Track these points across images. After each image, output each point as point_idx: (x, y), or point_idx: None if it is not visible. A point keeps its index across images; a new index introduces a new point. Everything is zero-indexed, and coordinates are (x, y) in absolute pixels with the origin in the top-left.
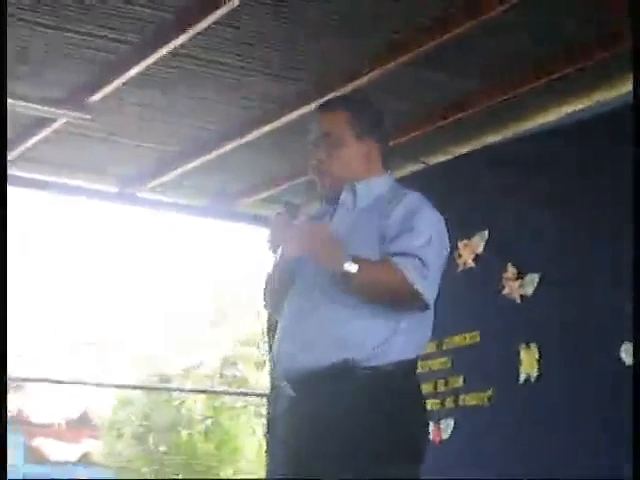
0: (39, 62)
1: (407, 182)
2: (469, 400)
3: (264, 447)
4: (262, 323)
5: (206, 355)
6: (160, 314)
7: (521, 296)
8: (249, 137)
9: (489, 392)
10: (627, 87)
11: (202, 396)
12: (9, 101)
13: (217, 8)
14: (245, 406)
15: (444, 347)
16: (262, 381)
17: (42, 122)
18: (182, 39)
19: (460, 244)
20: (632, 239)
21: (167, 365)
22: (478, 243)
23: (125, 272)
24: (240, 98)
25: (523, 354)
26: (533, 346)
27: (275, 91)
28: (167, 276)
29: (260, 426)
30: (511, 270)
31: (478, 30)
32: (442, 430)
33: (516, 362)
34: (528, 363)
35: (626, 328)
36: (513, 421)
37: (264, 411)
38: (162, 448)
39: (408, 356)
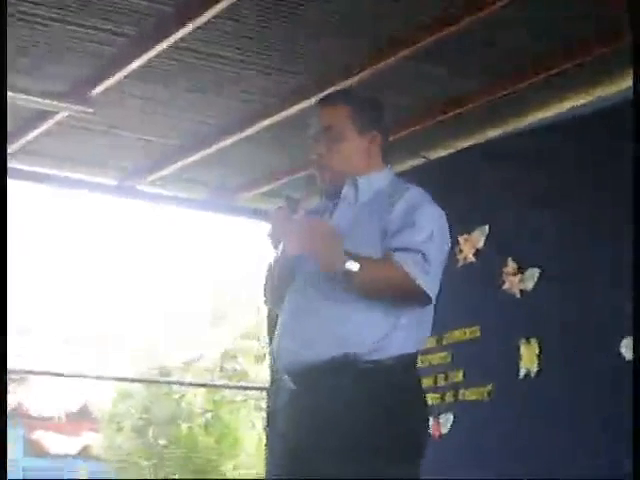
0: (40, 55)
1: (407, 176)
2: (469, 395)
3: (264, 441)
4: (262, 317)
5: (206, 348)
6: (160, 306)
7: (521, 291)
8: (249, 131)
9: (489, 387)
10: (627, 83)
11: (202, 389)
12: (10, 94)
13: (217, 2)
14: (245, 400)
15: (444, 342)
16: (262, 375)
17: (43, 115)
18: (183, 32)
19: (460, 239)
20: (632, 235)
21: (167, 358)
22: (478, 238)
23: (125, 265)
24: (240, 92)
25: (523, 349)
26: (533, 341)
27: (275, 85)
28: (167, 269)
29: (260, 420)
30: (511, 265)
31: (478, 25)
32: (441, 425)
33: (516, 357)
34: (528, 358)
35: (626, 323)
36: (513, 416)
37: (264, 405)
38: (162, 441)
39: (408, 351)
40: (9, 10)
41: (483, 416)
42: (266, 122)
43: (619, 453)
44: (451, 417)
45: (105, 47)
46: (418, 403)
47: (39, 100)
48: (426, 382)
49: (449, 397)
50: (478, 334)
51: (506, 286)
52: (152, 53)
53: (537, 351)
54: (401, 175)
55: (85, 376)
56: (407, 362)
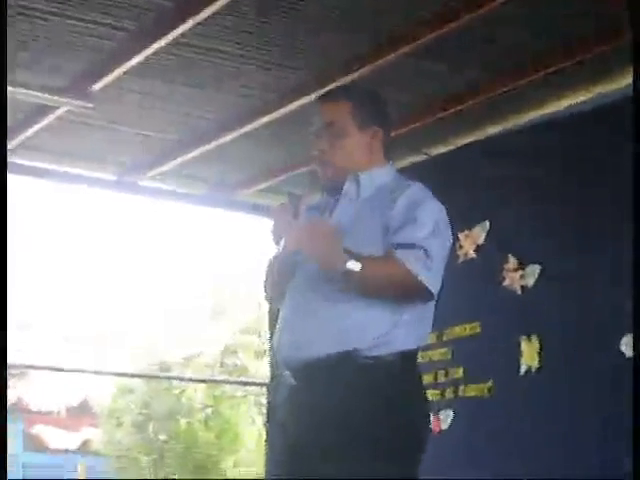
0: (40, 50)
1: (408, 173)
2: (469, 391)
3: (264, 436)
4: (263, 312)
5: (206, 344)
6: (160, 302)
7: (522, 287)
8: (248, 127)
9: (489, 383)
10: (627, 80)
11: (202, 385)
12: (10, 89)
13: None
14: (245, 395)
15: (444, 338)
16: (262, 370)
17: (43, 110)
18: (183, 28)
19: (461, 235)
20: (633, 231)
21: (167, 354)
22: (479, 234)
23: (125, 261)
24: (239, 87)
25: (524, 346)
26: (534, 338)
27: (275, 80)
28: (167, 265)
29: (260, 415)
30: (512, 261)
31: (478, 22)
32: (441, 421)
33: (517, 354)
34: (529, 355)
35: (627, 320)
36: (513, 413)
37: (264, 400)
38: (162, 437)
39: (409, 347)
40: (9, 2)
41: (483, 413)
42: (265, 119)
43: (619, 451)
44: (451, 413)
45: (105, 42)
46: (419, 398)
47: (39, 95)
48: (426, 378)
49: (449, 393)
50: (478, 330)
51: (507, 282)
52: (153, 48)
53: (538, 348)
54: (401, 171)
55: (85, 371)
56: (408, 358)
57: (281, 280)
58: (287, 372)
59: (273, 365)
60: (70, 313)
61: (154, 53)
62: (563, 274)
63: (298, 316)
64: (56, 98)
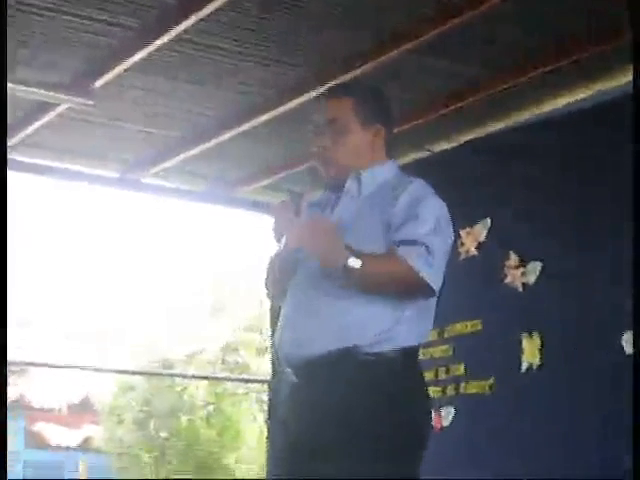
0: (40, 47)
1: (410, 170)
2: (470, 388)
3: (266, 433)
4: (264, 309)
5: (208, 341)
6: (161, 299)
7: (523, 284)
8: (247, 125)
9: (490, 380)
10: (627, 78)
11: (204, 382)
12: (10, 86)
13: None
14: (247, 392)
15: (446, 335)
16: (264, 367)
17: (44, 107)
18: (185, 24)
19: (463, 232)
20: (633, 229)
21: (169, 351)
22: (480, 231)
23: (126, 257)
24: (238, 84)
25: (525, 343)
26: (535, 335)
27: (275, 77)
28: (168, 262)
29: (262, 412)
30: (513, 258)
31: (480, 19)
32: (443, 418)
33: (518, 351)
34: (530, 352)
35: (628, 317)
36: (514, 410)
37: (266, 397)
38: (163, 434)
39: (411, 343)
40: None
41: (484, 410)
42: (265, 117)
43: (620, 448)
44: (452, 410)
45: (106, 39)
46: (420, 395)
47: (40, 92)
48: (427, 375)
49: (450, 390)
50: (480, 327)
51: (508, 279)
52: (154, 45)
53: (539, 345)
54: (403, 168)
55: (86, 368)
56: (409, 354)
57: (282, 278)
58: (288, 369)
59: (274, 362)
60: (71, 310)
61: (156, 50)
62: (564, 272)
63: (299, 313)
64: (57, 95)
